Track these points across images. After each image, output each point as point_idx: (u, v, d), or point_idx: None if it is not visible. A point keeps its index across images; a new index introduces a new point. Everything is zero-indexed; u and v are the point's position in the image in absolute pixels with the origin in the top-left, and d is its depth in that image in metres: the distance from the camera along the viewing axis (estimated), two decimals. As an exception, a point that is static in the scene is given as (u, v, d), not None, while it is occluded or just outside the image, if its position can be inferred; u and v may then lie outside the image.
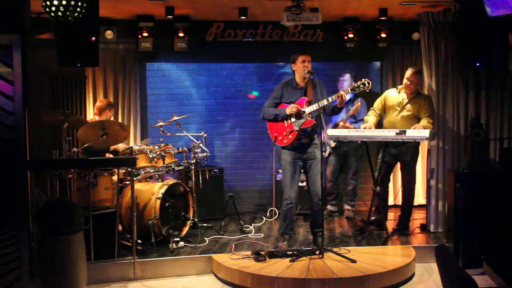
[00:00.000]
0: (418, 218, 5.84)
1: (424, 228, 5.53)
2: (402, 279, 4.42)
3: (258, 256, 4.53)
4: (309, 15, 5.38)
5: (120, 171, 4.97)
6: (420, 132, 4.79)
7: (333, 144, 6.02)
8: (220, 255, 4.73)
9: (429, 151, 5.52)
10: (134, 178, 4.89)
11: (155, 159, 5.29)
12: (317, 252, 4.58)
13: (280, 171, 5.53)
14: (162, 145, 5.46)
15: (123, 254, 4.65)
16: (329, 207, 6.36)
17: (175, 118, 5.72)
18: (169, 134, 5.81)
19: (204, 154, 5.65)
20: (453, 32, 5.32)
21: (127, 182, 5.19)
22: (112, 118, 5.70)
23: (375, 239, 5.20)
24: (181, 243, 4.98)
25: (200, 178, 5.75)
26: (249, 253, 4.69)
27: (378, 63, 6.91)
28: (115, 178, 5.04)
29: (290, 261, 4.47)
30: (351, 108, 5.83)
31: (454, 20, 5.31)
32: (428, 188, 5.55)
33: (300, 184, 5.15)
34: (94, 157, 5.13)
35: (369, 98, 5.89)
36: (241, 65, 6.89)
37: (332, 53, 6.73)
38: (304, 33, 6.59)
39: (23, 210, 4.08)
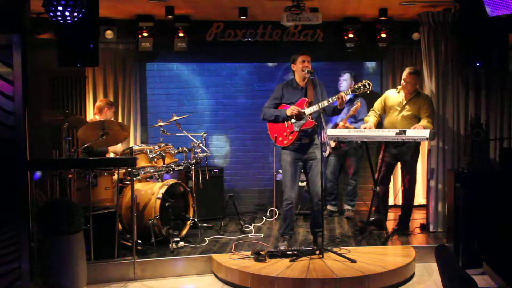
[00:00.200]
0: (418, 218, 5.84)
1: (424, 228, 5.53)
2: (402, 279, 4.42)
3: (258, 256, 4.53)
4: (309, 15, 5.39)
5: (120, 171, 4.97)
6: (420, 132, 4.79)
7: (333, 144, 6.03)
8: (220, 255, 4.73)
9: (429, 151, 5.53)
10: (134, 178, 4.89)
11: (155, 159, 5.29)
12: (317, 252, 4.58)
13: (280, 171, 5.54)
14: (162, 145, 5.46)
15: (123, 254, 4.65)
16: (329, 207, 6.37)
17: (175, 118, 5.72)
18: (169, 134, 5.81)
19: (204, 154, 5.65)
20: (453, 32, 5.32)
21: (127, 182, 5.19)
22: (112, 117, 5.70)
23: (375, 239, 5.20)
24: (181, 243, 4.98)
25: (200, 178, 5.75)
26: (249, 253, 4.69)
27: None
28: (115, 178, 5.04)
29: (290, 261, 4.47)
30: (351, 108, 5.84)
31: (454, 20, 5.31)
32: (428, 188, 5.56)
33: (300, 184, 5.15)
34: (94, 157, 5.14)
35: (369, 98, 5.89)
36: (241, 65, 6.89)
37: (332, 53, 6.73)
38: (304, 33, 6.60)
39: (23, 210, 4.08)
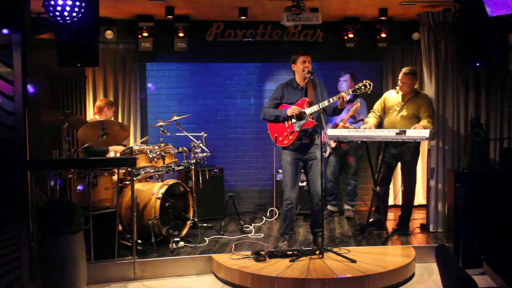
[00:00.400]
0: (418, 218, 5.84)
1: (424, 228, 5.53)
2: (402, 279, 4.42)
3: (258, 256, 4.53)
4: (309, 15, 5.39)
5: (120, 171, 4.97)
6: (420, 132, 4.78)
7: (333, 144, 6.03)
8: (220, 255, 4.73)
9: (429, 151, 5.53)
10: (134, 178, 4.89)
11: (155, 159, 5.29)
12: (317, 252, 4.58)
13: (280, 171, 5.53)
14: (162, 145, 5.46)
15: (123, 254, 4.65)
16: (329, 207, 6.37)
17: (175, 118, 5.72)
18: (169, 134, 5.80)
19: (204, 154, 5.65)
20: (453, 32, 5.32)
21: (127, 182, 5.19)
22: (112, 117, 5.70)
23: (375, 239, 5.20)
24: (181, 243, 4.98)
25: (200, 178, 5.75)
26: (249, 253, 4.69)
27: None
28: (115, 178, 5.04)
29: (290, 261, 4.47)
30: (351, 109, 5.84)
31: (454, 20, 5.31)
32: (428, 188, 5.55)
33: (300, 184, 5.15)
34: (94, 157, 5.14)
35: (369, 98, 5.89)
36: (241, 65, 6.89)
37: (332, 53, 6.73)
38: (304, 33, 6.60)
39: (23, 210, 4.08)
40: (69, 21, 4.05)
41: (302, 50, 4.87)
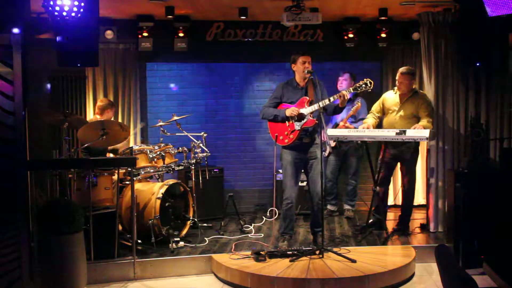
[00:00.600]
0: (418, 218, 5.84)
1: (424, 228, 5.53)
2: (402, 279, 4.42)
3: (258, 256, 4.53)
4: (309, 15, 5.39)
5: (120, 171, 4.97)
6: (420, 132, 4.78)
7: (333, 144, 6.02)
8: (220, 255, 4.73)
9: (428, 150, 5.53)
10: (134, 178, 4.89)
11: (155, 159, 5.29)
12: (317, 252, 4.58)
13: (280, 170, 5.53)
14: (162, 145, 5.46)
15: (123, 254, 4.66)
16: (329, 207, 6.37)
17: (175, 118, 5.72)
18: (169, 134, 5.81)
19: (204, 154, 5.65)
20: (453, 32, 5.32)
21: (127, 182, 5.19)
22: (112, 117, 5.70)
23: (375, 239, 5.20)
24: (181, 243, 4.98)
25: (200, 178, 5.75)
26: (249, 253, 4.69)
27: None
28: (115, 178, 5.04)
29: (290, 261, 4.47)
30: (351, 108, 5.84)
31: (454, 20, 5.31)
32: (428, 188, 5.55)
33: (300, 184, 5.14)
34: (94, 157, 5.14)
35: (369, 98, 5.90)
36: (241, 65, 6.89)
37: (332, 53, 6.73)
38: (304, 33, 6.60)
39: (23, 210, 4.08)
40: (69, 21, 4.05)
41: (302, 50, 4.87)
